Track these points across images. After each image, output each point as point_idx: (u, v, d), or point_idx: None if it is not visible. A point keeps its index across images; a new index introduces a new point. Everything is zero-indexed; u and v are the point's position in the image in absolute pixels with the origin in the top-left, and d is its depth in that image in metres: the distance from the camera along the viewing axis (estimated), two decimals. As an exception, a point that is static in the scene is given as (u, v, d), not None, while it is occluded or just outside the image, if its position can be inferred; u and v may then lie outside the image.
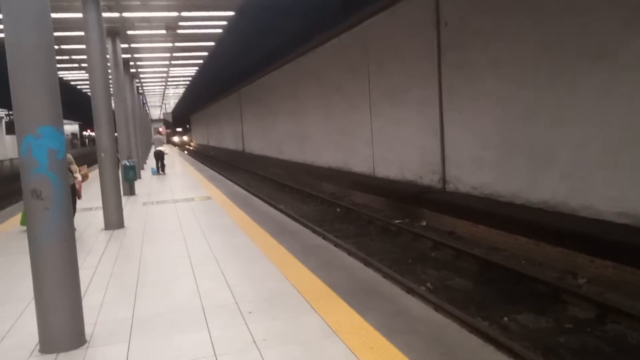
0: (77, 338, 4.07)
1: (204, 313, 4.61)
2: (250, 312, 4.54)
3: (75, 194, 8.55)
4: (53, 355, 3.90)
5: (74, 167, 8.67)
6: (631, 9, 8.41)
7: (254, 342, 3.93)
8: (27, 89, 3.84)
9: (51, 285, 3.92)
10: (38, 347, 4.01)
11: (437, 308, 6.17)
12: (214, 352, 3.79)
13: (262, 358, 3.65)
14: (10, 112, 49.59)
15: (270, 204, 14.01)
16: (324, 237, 10.12)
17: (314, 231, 10.64)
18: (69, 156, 8.37)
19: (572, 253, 8.52)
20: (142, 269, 6.31)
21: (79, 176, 8.80)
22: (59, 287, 3.95)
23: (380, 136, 17.87)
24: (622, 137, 8.76)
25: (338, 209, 15.71)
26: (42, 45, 3.90)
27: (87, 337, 4.17)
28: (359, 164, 19.85)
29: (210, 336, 4.09)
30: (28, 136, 3.83)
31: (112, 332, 4.31)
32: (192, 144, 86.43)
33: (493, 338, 5.58)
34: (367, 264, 8.27)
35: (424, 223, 12.70)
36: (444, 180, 14.19)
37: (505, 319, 6.59)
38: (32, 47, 3.84)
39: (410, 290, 7.08)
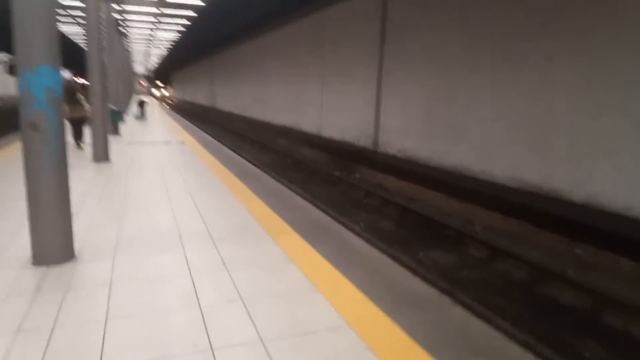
0: (67, 253, 3.69)
1: (180, 238, 4.30)
2: (220, 240, 4.28)
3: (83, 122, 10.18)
4: (44, 268, 3.52)
5: (85, 103, 9.91)
6: (539, 17, 8.35)
7: (224, 264, 3.69)
8: (29, 28, 3.28)
9: (44, 206, 3.50)
10: (31, 259, 3.61)
11: (370, 243, 6.09)
12: (190, 272, 3.52)
13: (231, 278, 3.42)
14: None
15: (234, 152, 13.54)
16: (280, 182, 9.84)
17: (271, 176, 10.36)
18: (81, 96, 10.01)
19: (472, 206, 8.69)
20: (126, 197, 5.88)
21: (88, 108, 9.74)
22: (52, 208, 3.53)
23: (329, 104, 17.50)
24: (522, 121, 8.86)
25: (289, 160, 15.40)
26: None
27: (76, 253, 3.80)
28: (309, 125, 19.47)
29: (186, 258, 3.81)
30: (28, 73, 3.31)
31: (99, 249, 3.95)
32: (172, 98, 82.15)
33: (417, 271, 5.57)
34: (314, 205, 8.10)
35: (358, 176, 12.65)
36: (376, 143, 14.11)
37: (421, 254, 6.64)
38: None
39: (348, 228, 6.98)
